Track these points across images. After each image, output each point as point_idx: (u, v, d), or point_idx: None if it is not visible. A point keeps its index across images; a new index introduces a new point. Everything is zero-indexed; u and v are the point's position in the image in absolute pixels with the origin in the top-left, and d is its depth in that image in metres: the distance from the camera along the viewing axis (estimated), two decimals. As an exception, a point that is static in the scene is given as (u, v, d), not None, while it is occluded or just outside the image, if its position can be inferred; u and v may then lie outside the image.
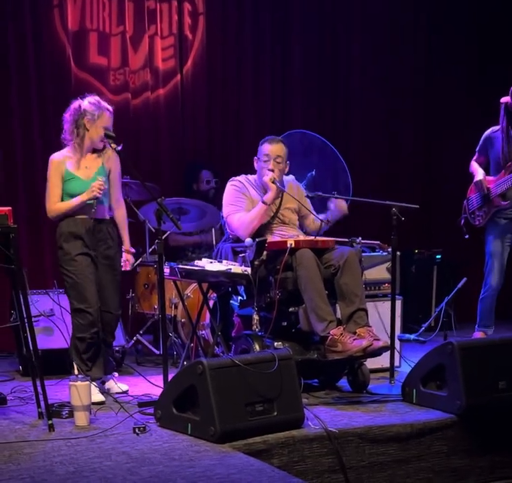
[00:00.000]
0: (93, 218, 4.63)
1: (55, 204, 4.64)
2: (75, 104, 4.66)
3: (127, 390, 4.82)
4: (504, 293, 6.03)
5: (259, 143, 5.12)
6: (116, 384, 4.84)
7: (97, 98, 4.69)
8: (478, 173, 5.90)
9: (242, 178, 5.15)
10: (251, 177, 5.14)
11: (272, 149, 5.02)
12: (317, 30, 7.49)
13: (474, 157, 6.01)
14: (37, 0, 6.35)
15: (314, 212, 5.19)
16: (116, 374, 4.92)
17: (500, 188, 5.73)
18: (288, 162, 5.10)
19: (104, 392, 4.72)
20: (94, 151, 4.68)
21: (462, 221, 6.03)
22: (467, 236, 6.01)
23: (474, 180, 5.90)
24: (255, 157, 5.10)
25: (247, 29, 7.17)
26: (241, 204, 5.02)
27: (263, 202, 4.93)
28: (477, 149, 6.00)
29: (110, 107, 4.70)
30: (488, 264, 5.89)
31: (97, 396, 4.50)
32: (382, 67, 7.78)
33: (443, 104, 8.00)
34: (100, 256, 4.68)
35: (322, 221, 5.11)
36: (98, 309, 4.59)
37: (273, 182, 4.93)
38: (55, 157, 4.67)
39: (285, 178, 5.20)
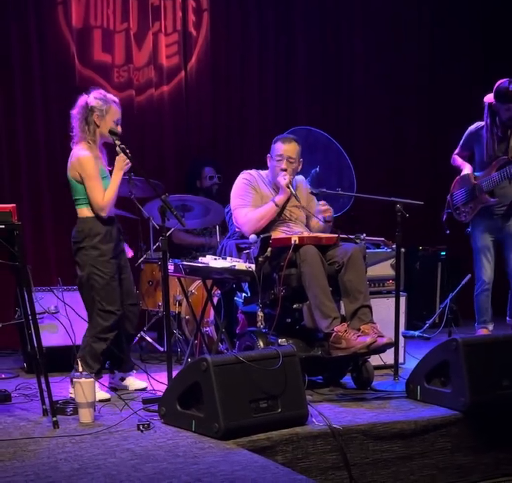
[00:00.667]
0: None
1: (104, 197, 4.53)
2: (81, 100, 4.63)
3: (146, 387, 4.83)
4: (499, 290, 6.02)
5: (272, 141, 5.10)
6: (134, 381, 4.86)
7: (102, 91, 4.66)
8: (466, 167, 5.89)
9: (254, 172, 5.14)
10: (263, 173, 5.14)
11: (286, 148, 5.02)
12: (321, 27, 7.48)
13: (456, 151, 5.96)
14: (42, -3, 6.36)
15: (318, 216, 5.16)
16: (134, 372, 4.94)
17: (489, 186, 5.70)
18: (301, 160, 5.09)
19: (122, 388, 4.78)
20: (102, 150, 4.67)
21: (445, 217, 6.01)
22: (448, 231, 5.99)
23: (461, 173, 5.89)
24: (268, 155, 5.09)
25: (251, 25, 7.17)
26: (249, 199, 5.02)
27: (275, 204, 4.94)
28: (460, 143, 5.95)
29: (116, 99, 4.68)
30: (476, 260, 5.87)
31: (102, 394, 4.52)
32: (385, 64, 7.78)
33: (448, 100, 8.00)
34: (119, 252, 4.71)
35: (325, 221, 5.08)
36: (122, 311, 4.62)
37: (287, 187, 4.93)
38: (87, 152, 4.53)
39: (296, 177, 5.20)
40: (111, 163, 4.62)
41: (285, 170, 4.99)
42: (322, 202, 5.06)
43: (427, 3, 7.88)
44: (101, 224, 4.58)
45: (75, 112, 4.62)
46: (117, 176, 4.54)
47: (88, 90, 6.11)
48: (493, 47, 8.00)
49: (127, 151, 4.52)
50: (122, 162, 4.52)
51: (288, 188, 4.94)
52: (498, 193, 5.73)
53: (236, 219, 5.04)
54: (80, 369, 4.23)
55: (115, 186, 4.55)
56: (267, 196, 5.04)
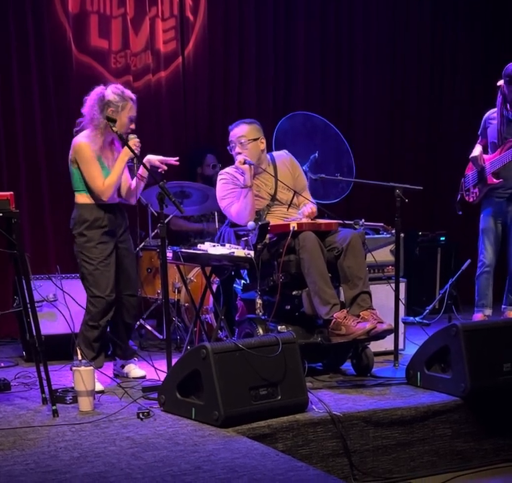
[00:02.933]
0: (116, 203, 4.63)
1: (105, 182, 4.51)
2: (97, 91, 4.57)
3: (145, 376, 4.82)
4: (501, 277, 6.03)
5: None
6: (134, 369, 4.86)
7: (120, 87, 4.62)
8: (475, 150, 5.94)
9: (229, 169, 5.12)
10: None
11: (233, 133, 5.03)
12: (321, 9, 7.41)
13: (478, 141, 6.02)
14: (37, -18, 6.30)
15: (308, 194, 5.14)
16: (136, 359, 4.94)
17: (494, 166, 5.75)
18: (262, 138, 5.02)
19: (123, 376, 4.79)
20: (111, 145, 4.65)
21: (458, 197, 6.05)
22: (460, 212, 6.02)
23: (470, 155, 5.91)
24: (228, 148, 5.08)
25: (249, 10, 7.10)
26: (233, 195, 4.99)
27: (244, 187, 4.91)
28: (479, 132, 6.02)
29: (133, 96, 4.64)
30: (480, 242, 5.91)
31: (97, 385, 4.51)
32: (385, 48, 7.73)
33: (448, 87, 7.98)
34: (119, 241, 4.70)
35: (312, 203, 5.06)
36: (114, 297, 4.60)
37: (244, 163, 4.90)
38: (86, 139, 4.51)
39: (276, 153, 5.17)
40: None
41: (240, 154, 4.95)
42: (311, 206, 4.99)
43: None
44: (91, 211, 4.58)
45: (90, 102, 4.57)
46: (122, 160, 4.53)
47: (84, 76, 6.12)
48: (494, 37, 7.99)
49: (127, 139, 4.51)
50: (132, 146, 4.49)
51: (244, 164, 4.89)
52: (505, 175, 5.74)
53: (230, 217, 5.04)
54: (80, 357, 4.22)
55: (119, 170, 4.53)
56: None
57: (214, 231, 6.08)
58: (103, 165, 4.56)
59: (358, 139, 7.30)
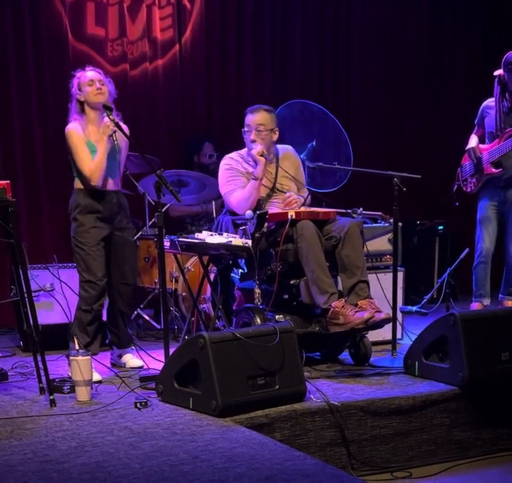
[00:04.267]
0: (108, 190, 4.64)
1: (90, 165, 4.53)
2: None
3: (142, 366, 4.82)
4: (499, 266, 6.03)
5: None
6: (132, 359, 4.86)
7: (88, 67, 4.73)
8: (471, 141, 5.92)
9: (233, 154, 5.09)
10: (243, 151, 5.08)
11: (253, 118, 4.96)
12: (319, 2, 7.38)
13: (474, 131, 6.00)
14: (33, -30, 6.26)
15: (305, 192, 5.16)
16: (133, 348, 4.94)
17: (493, 156, 5.73)
18: (276, 129, 5.01)
19: (120, 365, 4.80)
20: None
21: (455, 188, 6.03)
22: (457, 203, 6.02)
23: (466, 147, 5.89)
24: (242, 130, 5.04)
25: (246, -3, 7.08)
26: (237, 183, 4.97)
27: (254, 178, 4.89)
28: (475, 121, 5.99)
29: (92, 67, 4.72)
30: (477, 231, 5.90)
31: (95, 375, 4.50)
32: (384, 40, 7.70)
33: (446, 78, 7.98)
34: (117, 229, 4.70)
35: (309, 191, 5.10)
36: (105, 283, 4.62)
37: (261, 155, 4.88)
38: (73, 127, 4.58)
39: (280, 146, 5.15)
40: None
41: (254, 141, 4.93)
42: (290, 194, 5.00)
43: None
44: (84, 196, 4.61)
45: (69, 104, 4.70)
46: (102, 140, 4.54)
47: (81, 64, 6.07)
48: (493, 36, 7.98)
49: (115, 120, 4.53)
50: (106, 127, 4.52)
51: (262, 156, 4.88)
52: (505, 165, 5.73)
53: (229, 204, 5.02)
54: (77, 347, 4.21)
55: (102, 153, 4.54)
56: (251, 173, 4.98)
57: (211, 212, 6.06)
58: (94, 149, 4.57)
59: (356, 127, 7.28)
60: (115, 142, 4.54)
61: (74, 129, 4.57)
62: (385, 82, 7.76)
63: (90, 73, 4.66)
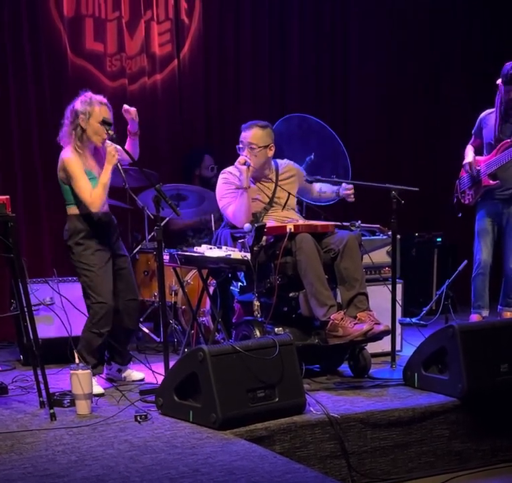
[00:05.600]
0: (105, 212, 4.64)
1: (91, 193, 4.51)
2: (70, 107, 4.61)
3: (143, 378, 4.83)
4: (497, 277, 6.05)
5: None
6: (132, 373, 4.87)
7: (89, 94, 4.60)
8: (468, 156, 5.95)
9: (231, 168, 5.11)
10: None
11: (245, 136, 4.99)
12: (315, 10, 7.42)
13: (470, 141, 6.03)
14: (33, -14, 6.31)
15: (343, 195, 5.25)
16: (132, 363, 4.95)
17: (490, 168, 5.76)
18: (272, 145, 5.02)
19: (119, 379, 4.79)
20: (95, 154, 4.65)
21: (454, 200, 6.06)
22: (459, 214, 6.04)
23: (463, 162, 5.92)
24: (237, 146, 5.07)
25: (244, 12, 7.11)
26: (233, 195, 4.99)
27: (240, 188, 4.91)
28: (473, 131, 6.01)
29: (102, 99, 4.61)
30: (475, 243, 5.91)
31: (97, 388, 4.50)
32: (381, 52, 7.75)
33: (446, 89, 8.01)
34: (115, 248, 4.72)
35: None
36: (114, 304, 4.60)
37: (243, 163, 4.90)
38: (71, 154, 4.53)
39: (280, 161, 5.18)
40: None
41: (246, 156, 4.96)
42: (349, 186, 5.13)
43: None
44: (86, 222, 4.59)
45: (64, 119, 4.62)
46: (106, 170, 4.53)
47: (80, 80, 6.11)
48: (493, 28, 8.02)
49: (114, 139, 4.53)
50: (111, 156, 4.50)
51: (244, 165, 4.89)
52: (501, 176, 5.75)
53: (227, 217, 5.04)
54: (77, 361, 4.22)
55: (105, 180, 4.52)
56: (250, 189, 5.00)
57: (210, 223, 6.07)
58: (92, 175, 4.56)
59: (354, 140, 7.31)
60: (120, 170, 4.53)
61: (72, 158, 4.52)
62: (384, 79, 7.78)
63: (107, 111, 4.57)
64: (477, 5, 8.05)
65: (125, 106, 4.74)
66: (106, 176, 4.52)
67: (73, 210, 4.62)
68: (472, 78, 7.93)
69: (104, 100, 4.63)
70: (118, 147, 4.57)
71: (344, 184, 5.20)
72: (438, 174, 7.83)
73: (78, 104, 4.56)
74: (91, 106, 4.54)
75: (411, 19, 7.88)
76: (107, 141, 4.59)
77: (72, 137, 4.56)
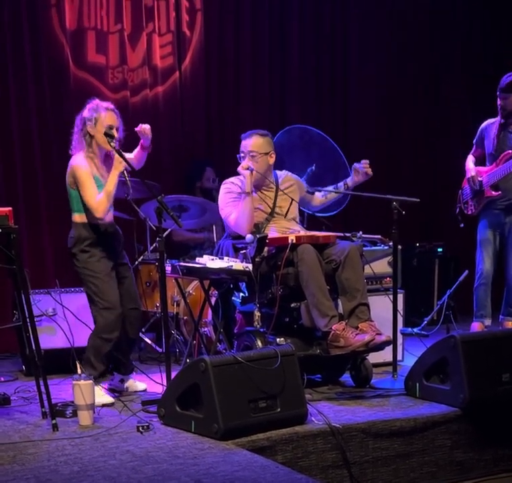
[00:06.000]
0: (110, 222, 4.66)
1: (98, 198, 4.52)
2: (79, 116, 4.65)
3: (146, 389, 4.84)
4: (498, 286, 6.06)
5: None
6: (134, 383, 4.87)
7: (96, 101, 4.65)
8: (470, 168, 5.98)
9: (233, 178, 5.14)
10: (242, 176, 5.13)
11: (246, 144, 5.03)
12: (315, 26, 7.47)
13: (472, 151, 6.05)
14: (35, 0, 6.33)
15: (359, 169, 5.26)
16: (134, 373, 4.95)
17: (492, 179, 5.79)
18: (272, 152, 5.06)
19: (121, 390, 4.78)
20: (105, 161, 4.67)
21: (457, 210, 6.09)
22: (462, 225, 6.07)
23: (466, 176, 5.96)
24: (238, 155, 5.10)
25: (245, 24, 7.16)
26: (235, 205, 5.01)
27: (243, 193, 4.94)
28: (474, 141, 6.04)
29: (109, 105, 4.66)
30: (478, 253, 5.94)
31: (106, 398, 4.52)
32: (380, 62, 7.79)
33: (446, 97, 8.04)
34: (119, 258, 4.74)
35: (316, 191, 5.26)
36: (121, 311, 4.62)
37: (246, 169, 4.92)
38: (80, 160, 4.56)
39: (279, 172, 5.21)
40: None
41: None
42: (364, 161, 5.18)
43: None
44: (92, 230, 4.60)
45: (75, 129, 4.65)
46: (113, 176, 4.54)
47: (82, 92, 6.14)
48: (493, 30, 8.06)
49: (122, 153, 4.53)
50: (118, 163, 4.52)
51: (246, 170, 4.91)
52: (503, 187, 5.78)
53: (229, 226, 5.06)
54: (79, 371, 4.23)
55: (110, 187, 4.53)
56: (253, 198, 5.02)
57: (212, 236, 6.11)
58: (100, 183, 4.58)
59: (354, 151, 7.32)
60: (126, 179, 4.55)
61: (81, 164, 4.54)
62: (384, 81, 7.83)
63: (113, 116, 4.60)
64: (477, 6, 8.09)
65: (140, 126, 4.80)
66: (112, 182, 4.53)
67: (79, 218, 4.63)
68: (472, 80, 7.99)
69: (111, 106, 4.67)
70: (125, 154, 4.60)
71: (355, 164, 5.22)
72: (438, 173, 7.87)
73: (86, 111, 4.61)
74: (97, 113, 4.58)
75: (411, 20, 7.92)
76: (111, 151, 4.60)
77: (83, 145, 4.59)
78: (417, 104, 7.95)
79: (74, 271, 4.70)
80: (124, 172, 4.54)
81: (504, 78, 5.72)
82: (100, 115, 4.57)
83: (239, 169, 4.97)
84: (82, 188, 4.53)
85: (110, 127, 4.57)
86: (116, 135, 4.58)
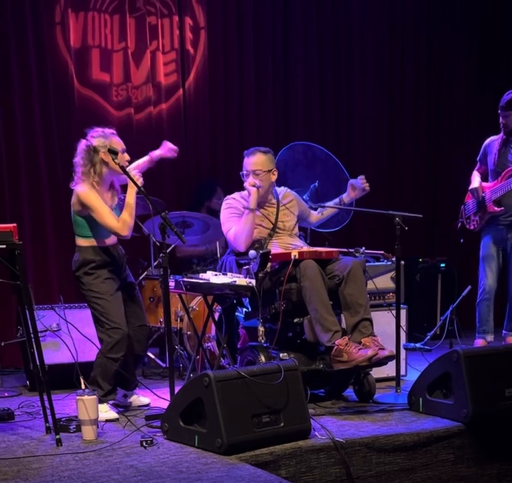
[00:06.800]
0: (115, 244, 4.71)
1: (118, 220, 4.56)
2: (82, 145, 4.64)
3: (149, 404, 4.85)
4: (501, 301, 6.07)
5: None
6: (138, 398, 4.89)
7: (98, 129, 4.67)
8: (475, 181, 6.01)
9: (235, 195, 5.18)
10: (244, 192, 5.14)
11: (249, 162, 5.07)
12: (318, 45, 7.52)
13: (476, 167, 6.08)
14: (40, 18, 6.39)
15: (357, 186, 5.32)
16: (137, 388, 4.96)
17: (495, 195, 5.82)
18: (275, 169, 5.10)
19: (125, 405, 4.79)
20: (110, 188, 4.71)
21: (459, 225, 6.11)
22: (462, 240, 6.09)
23: (470, 187, 5.98)
24: (241, 173, 5.13)
25: (248, 42, 7.21)
26: (235, 219, 5.04)
27: (247, 208, 4.97)
28: (478, 158, 6.08)
29: (113, 130, 4.71)
30: (480, 268, 5.96)
31: (110, 414, 4.53)
32: (383, 75, 7.84)
33: (447, 113, 8.08)
34: (124, 277, 4.77)
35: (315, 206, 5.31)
36: (127, 331, 4.63)
37: (253, 186, 4.96)
38: (86, 188, 4.55)
39: (278, 189, 5.25)
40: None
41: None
42: (360, 177, 5.23)
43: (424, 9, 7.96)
44: (96, 254, 4.63)
45: (78, 158, 4.64)
46: (131, 194, 4.58)
47: (86, 109, 6.19)
48: (490, 56, 8.10)
49: (126, 170, 4.57)
50: (135, 179, 4.56)
51: (253, 187, 4.95)
52: (506, 203, 5.80)
53: (230, 242, 5.09)
54: (83, 386, 4.24)
55: (131, 204, 4.56)
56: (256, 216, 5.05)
57: (215, 250, 6.12)
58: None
59: (357, 167, 7.36)
60: (145, 195, 4.57)
61: (89, 190, 4.55)
62: (387, 121, 7.86)
63: (120, 140, 4.67)
64: (474, 35, 8.13)
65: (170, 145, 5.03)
66: (131, 198, 4.57)
67: (83, 242, 4.65)
68: (475, 95, 8.01)
69: (114, 131, 4.73)
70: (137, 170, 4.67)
71: (352, 180, 5.26)
72: (441, 189, 7.87)
73: (93, 141, 4.60)
74: (108, 138, 4.61)
75: (413, 34, 7.93)
76: (134, 170, 4.68)
77: (90, 175, 4.59)
78: (419, 119, 7.98)
79: (79, 293, 4.72)
80: (142, 188, 4.58)
81: (504, 96, 5.76)
82: (112, 140, 4.62)
83: (246, 185, 5.00)
84: (97, 212, 4.54)
85: (122, 152, 4.61)
86: (128, 158, 4.67)
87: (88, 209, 4.55)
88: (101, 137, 4.61)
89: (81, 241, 4.66)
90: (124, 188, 4.71)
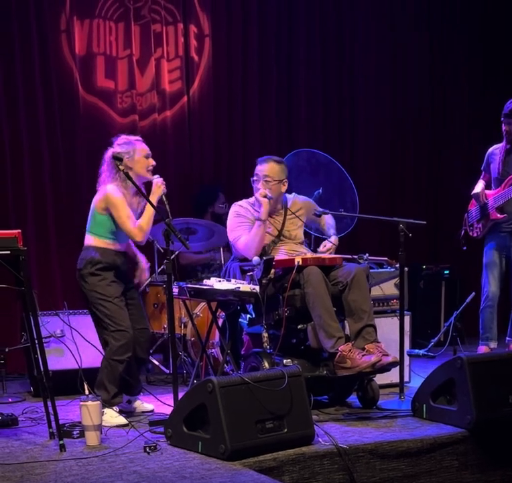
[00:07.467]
0: (122, 250, 4.73)
1: (137, 223, 4.61)
2: (108, 153, 4.70)
3: (153, 410, 4.85)
4: (504, 308, 6.07)
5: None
6: (142, 404, 4.89)
7: (123, 136, 4.77)
8: (477, 186, 6.02)
9: (242, 202, 5.19)
10: (252, 199, 5.16)
11: (261, 169, 5.07)
12: (322, 51, 7.54)
13: (481, 176, 6.09)
14: (45, 25, 6.42)
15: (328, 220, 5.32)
16: (141, 394, 4.96)
17: (498, 202, 5.82)
18: (286, 180, 5.11)
19: (129, 411, 4.79)
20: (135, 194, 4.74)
21: (462, 233, 6.12)
22: (465, 248, 6.10)
23: (472, 192, 5.98)
24: (251, 178, 5.14)
25: (252, 49, 7.23)
26: (244, 228, 5.05)
27: (258, 219, 4.97)
28: (482, 167, 6.09)
29: (138, 138, 4.82)
30: (483, 275, 5.96)
31: (120, 419, 4.54)
32: (386, 81, 7.86)
33: (449, 120, 8.09)
34: (127, 282, 4.80)
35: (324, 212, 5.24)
36: (132, 333, 4.65)
37: (264, 197, 4.97)
38: (115, 190, 4.61)
39: (288, 196, 5.25)
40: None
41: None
42: (328, 245, 5.13)
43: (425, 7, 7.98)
44: (107, 255, 4.66)
45: (105, 166, 4.71)
46: (152, 200, 4.61)
47: (91, 117, 6.20)
48: (491, 56, 8.10)
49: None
50: (157, 187, 4.62)
51: (264, 197, 4.96)
52: (508, 210, 5.80)
53: (238, 249, 5.08)
54: (87, 392, 4.24)
55: (150, 211, 4.60)
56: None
57: (219, 259, 6.14)
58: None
59: (361, 174, 7.38)
60: (165, 202, 4.60)
61: (115, 191, 4.60)
62: (389, 128, 7.88)
63: (146, 145, 4.75)
64: (476, 43, 8.14)
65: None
66: (151, 207, 4.60)
67: (96, 241, 4.68)
68: (478, 102, 8.01)
69: (140, 138, 4.83)
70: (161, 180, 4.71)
71: (325, 242, 5.21)
72: (444, 196, 7.87)
73: (118, 148, 4.69)
74: (132, 146, 4.70)
75: (417, 41, 7.94)
76: (156, 178, 4.72)
77: (118, 181, 4.64)
78: (422, 126, 7.99)
79: (81, 292, 4.73)
80: (163, 197, 4.61)
81: (507, 104, 5.76)
82: (135, 147, 4.70)
83: (257, 196, 5.01)
84: (119, 214, 4.58)
85: (147, 157, 4.71)
86: (154, 163, 4.75)
87: (111, 208, 4.60)
88: (125, 144, 4.70)
89: (93, 241, 4.69)
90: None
